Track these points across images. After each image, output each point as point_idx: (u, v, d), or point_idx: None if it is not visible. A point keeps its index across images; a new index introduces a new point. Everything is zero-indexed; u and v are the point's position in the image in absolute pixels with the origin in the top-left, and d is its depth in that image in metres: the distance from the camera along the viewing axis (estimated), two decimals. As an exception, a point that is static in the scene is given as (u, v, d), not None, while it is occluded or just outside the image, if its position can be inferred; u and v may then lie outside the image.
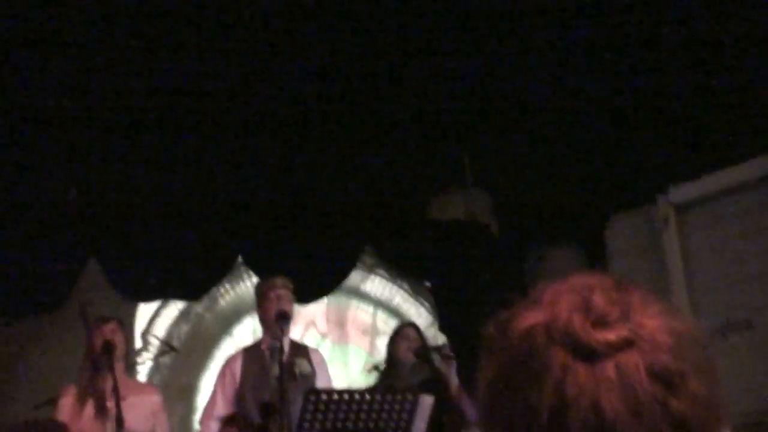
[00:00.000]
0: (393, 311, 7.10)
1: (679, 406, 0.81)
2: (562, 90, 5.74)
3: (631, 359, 0.82)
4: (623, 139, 5.78)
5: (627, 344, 0.83)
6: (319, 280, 6.25)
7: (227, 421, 4.65)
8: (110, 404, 4.23)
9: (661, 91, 5.41)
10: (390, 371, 5.07)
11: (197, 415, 6.31)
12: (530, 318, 0.87)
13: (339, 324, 7.14)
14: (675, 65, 5.29)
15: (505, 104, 5.91)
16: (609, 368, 0.81)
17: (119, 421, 4.07)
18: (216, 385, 4.78)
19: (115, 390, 4.18)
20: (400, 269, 6.82)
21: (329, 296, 6.90)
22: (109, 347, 4.40)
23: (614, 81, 5.56)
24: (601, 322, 0.84)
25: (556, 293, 0.89)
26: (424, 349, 4.90)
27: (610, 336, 0.83)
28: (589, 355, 0.82)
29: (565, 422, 0.80)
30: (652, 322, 0.85)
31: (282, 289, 4.63)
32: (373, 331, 7.12)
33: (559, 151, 6.06)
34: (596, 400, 0.80)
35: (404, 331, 5.16)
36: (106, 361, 4.39)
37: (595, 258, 5.84)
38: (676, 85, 5.33)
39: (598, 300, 0.86)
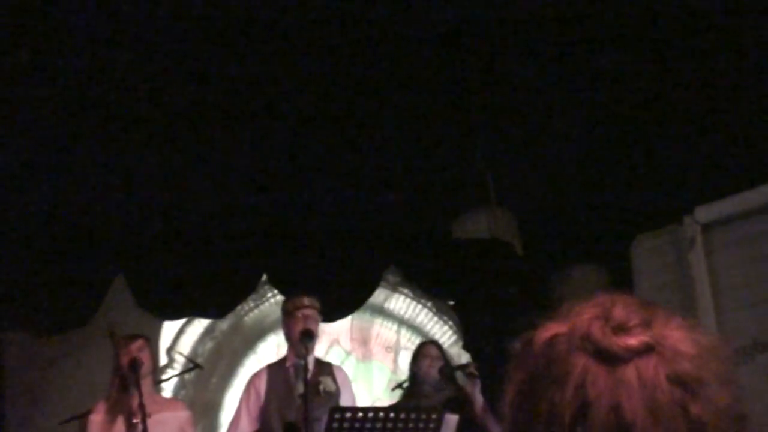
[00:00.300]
0: (417, 329, 7.10)
1: (699, 412, 0.83)
2: (587, 109, 5.74)
3: (651, 363, 0.84)
4: (649, 159, 5.76)
5: (647, 349, 0.85)
6: (344, 299, 6.28)
7: (252, 438, 4.66)
8: (137, 420, 4.25)
9: (688, 111, 5.40)
10: (413, 389, 5.06)
11: (221, 432, 6.35)
12: (553, 329, 0.91)
13: (363, 342, 7.14)
14: (701, 85, 5.28)
15: (529, 124, 5.92)
16: (629, 371, 0.84)
17: (145, 437, 4.10)
18: (241, 402, 4.79)
19: (141, 406, 4.20)
20: (424, 288, 6.83)
21: (353, 314, 6.92)
22: (135, 364, 4.43)
23: (640, 101, 5.55)
24: (621, 329, 0.87)
25: (579, 308, 0.92)
26: (447, 367, 4.89)
27: (631, 341, 0.86)
28: (610, 358, 0.85)
29: (586, 422, 0.83)
30: (674, 332, 0.87)
31: (309, 308, 4.65)
32: (396, 349, 7.12)
33: (584, 170, 6.06)
34: (616, 402, 0.83)
35: (426, 349, 5.15)
36: (132, 377, 4.41)
37: (620, 278, 5.81)
38: (703, 106, 5.31)
39: (619, 311, 0.89)
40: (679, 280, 5.25)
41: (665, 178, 5.69)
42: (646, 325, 0.87)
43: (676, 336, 0.87)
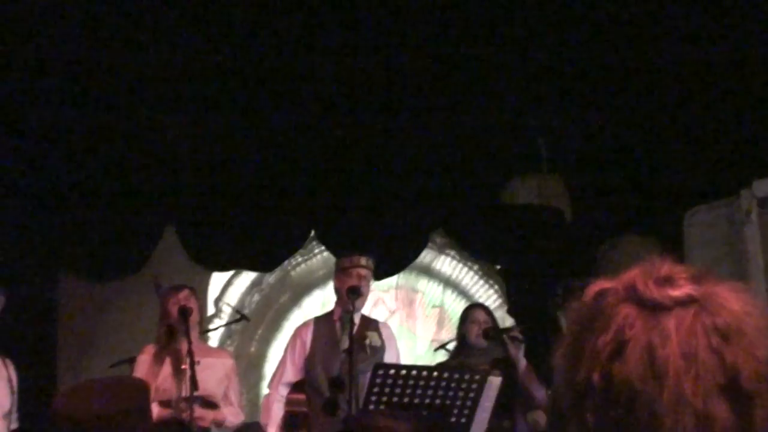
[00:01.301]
0: (462, 291, 7.11)
1: (734, 359, 0.85)
2: (645, 77, 5.64)
3: (691, 313, 0.88)
4: (708, 130, 5.66)
5: (690, 300, 0.89)
6: (390, 259, 6.30)
7: (295, 387, 4.73)
8: (185, 366, 4.33)
9: (750, 82, 5.29)
10: (460, 351, 5.09)
11: (265, 383, 6.45)
12: (603, 284, 0.95)
13: (408, 302, 7.18)
14: (764, 55, 5.16)
15: (584, 89, 5.84)
16: (668, 318, 0.88)
17: (194, 382, 4.18)
18: (286, 352, 4.86)
19: (190, 353, 4.28)
20: (471, 251, 6.82)
21: (399, 274, 6.94)
22: (185, 312, 4.51)
23: (701, 69, 5.44)
24: (666, 281, 0.91)
25: (626, 272, 0.96)
26: (492, 330, 4.90)
27: (674, 292, 0.89)
28: (651, 307, 0.89)
29: (622, 358, 0.87)
30: (721, 289, 0.90)
31: (364, 268, 4.71)
32: (441, 310, 7.14)
33: (640, 138, 5.97)
34: (650, 342, 0.86)
35: (474, 312, 5.16)
36: (182, 325, 4.49)
37: (671, 250, 5.74)
38: (765, 77, 5.20)
39: (667, 267, 0.93)
40: (732, 254, 5.17)
41: (723, 149, 5.59)
42: (694, 280, 0.91)
43: (723, 293, 0.90)
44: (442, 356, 5.65)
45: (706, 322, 0.86)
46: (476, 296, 6.90)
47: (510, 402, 4.34)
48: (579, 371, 0.90)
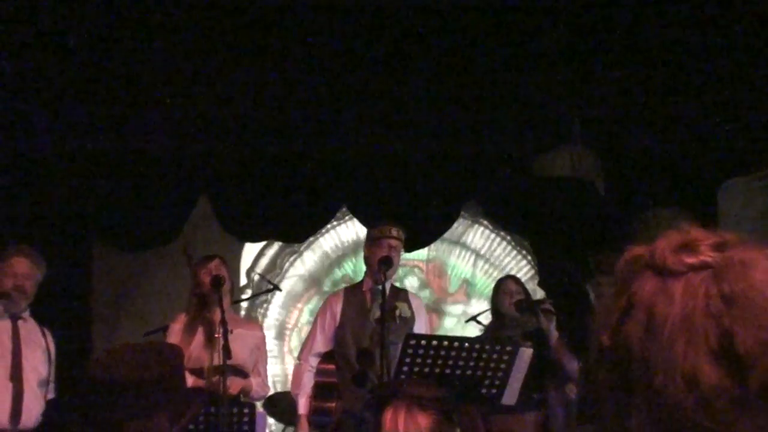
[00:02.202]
0: (493, 263, 7.09)
1: (732, 325, 0.85)
2: (679, 48, 5.56)
3: (700, 277, 0.88)
4: (743, 102, 5.57)
5: (703, 266, 0.89)
6: (422, 231, 6.29)
7: (325, 358, 4.75)
8: (218, 335, 4.35)
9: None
10: (495, 323, 5.08)
11: (294, 354, 6.50)
12: (637, 251, 0.95)
13: (439, 274, 7.18)
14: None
15: (618, 62, 5.77)
16: (677, 283, 0.89)
17: (227, 351, 4.18)
18: (316, 322, 4.87)
19: (223, 322, 4.28)
20: (503, 224, 6.80)
21: (431, 247, 6.94)
22: (218, 281, 4.51)
23: (735, 40, 5.35)
24: (686, 248, 0.90)
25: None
26: (524, 302, 4.88)
27: (689, 259, 0.89)
28: (664, 272, 0.90)
29: (626, 319, 0.90)
30: (750, 257, 0.89)
31: (395, 239, 4.70)
32: (472, 282, 7.14)
33: (673, 111, 5.89)
34: (652, 304, 0.88)
35: (506, 284, 5.14)
36: (214, 294, 4.51)
37: (705, 223, 5.67)
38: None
39: (694, 233, 0.93)
40: (767, 226, 5.11)
41: (757, 121, 5.51)
42: (717, 247, 0.90)
43: (751, 261, 0.89)
44: (472, 328, 5.66)
45: (710, 288, 0.87)
46: (508, 268, 6.88)
47: (542, 374, 4.33)
48: (601, 335, 0.93)
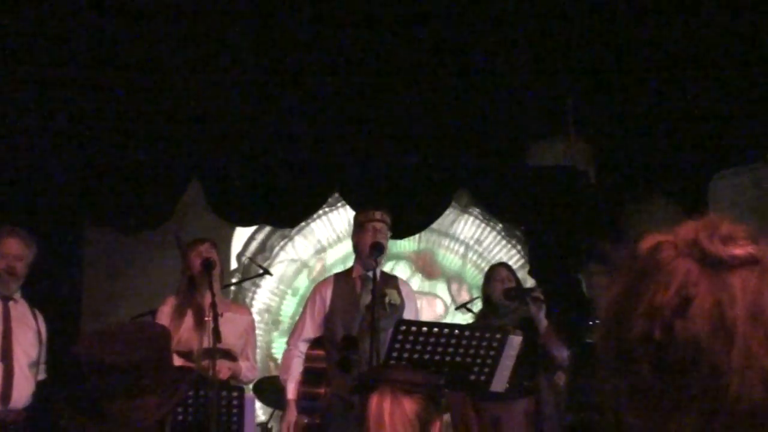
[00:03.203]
0: (482, 254, 7.10)
1: None
2: (671, 41, 5.56)
3: (756, 273, 0.87)
4: (734, 95, 5.58)
5: (753, 261, 0.88)
6: (413, 218, 6.30)
7: (315, 344, 4.75)
8: (208, 318, 4.34)
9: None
10: (485, 310, 5.09)
11: (283, 338, 6.50)
12: (657, 237, 0.93)
13: (429, 262, 7.18)
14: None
15: (612, 52, 5.77)
16: (734, 278, 0.86)
17: (217, 335, 4.16)
18: (306, 308, 4.86)
19: (214, 305, 4.26)
20: (495, 212, 6.80)
21: (421, 235, 6.95)
22: (209, 264, 4.50)
23: (729, 35, 5.36)
24: (728, 239, 0.89)
25: (681, 226, 0.94)
26: (514, 290, 4.89)
27: (738, 251, 0.88)
28: (716, 264, 0.87)
29: (687, 315, 0.86)
30: None
31: (380, 222, 4.66)
32: (462, 271, 7.15)
33: (667, 103, 5.90)
34: (719, 299, 0.85)
35: (498, 271, 5.16)
36: (205, 277, 4.49)
37: (695, 215, 5.69)
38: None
39: (726, 225, 0.91)
40: (758, 219, 5.12)
41: (749, 114, 5.53)
42: (753, 240, 0.90)
43: None
44: (462, 315, 5.67)
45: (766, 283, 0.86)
46: (498, 257, 6.89)
47: (532, 362, 4.34)
48: (634, 326, 0.88)
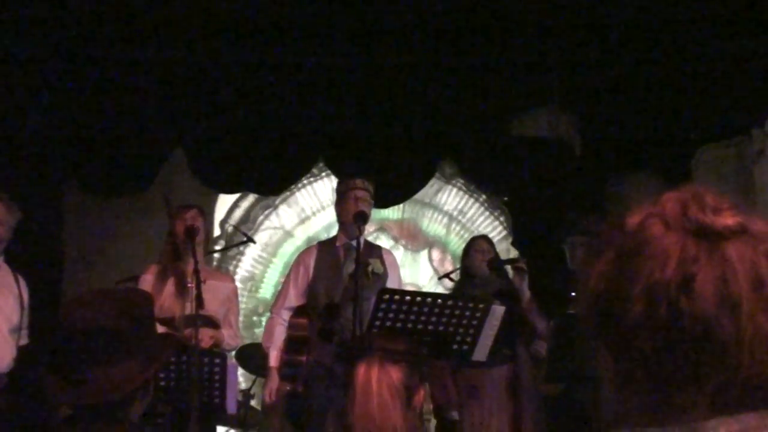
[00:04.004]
0: (467, 223, 7.11)
1: None
2: (657, 13, 5.55)
3: (748, 242, 0.87)
4: (720, 68, 5.58)
5: (743, 230, 0.88)
6: (397, 187, 6.29)
7: (298, 312, 4.75)
8: (191, 285, 4.33)
9: (760, 21, 5.19)
10: (464, 282, 5.11)
11: (266, 306, 6.51)
12: (643, 213, 0.91)
13: (412, 233, 7.19)
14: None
15: (598, 25, 5.75)
16: (729, 248, 0.86)
17: (199, 301, 4.14)
18: (289, 276, 4.85)
19: (196, 272, 4.24)
20: (479, 182, 6.81)
21: (405, 205, 6.95)
22: (192, 232, 4.46)
23: (713, 7, 5.35)
24: (716, 210, 0.89)
25: (663, 198, 0.92)
26: (496, 260, 4.91)
27: (729, 221, 0.88)
28: (710, 236, 0.87)
29: (692, 293, 0.85)
30: (756, 220, 0.90)
31: (362, 190, 4.64)
32: (445, 242, 7.16)
33: (652, 76, 5.90)
34: (722, 273, 0.85)
35: (477, 243, 5.18)
36: (188, 245, 4.46)
37: (679, 188, 5.71)
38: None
39: (711, 196, 0.91)
40: (741, 193, 5.15)
41: (734, 88, 5.53)
42: (738, 209, 0.90)
43: (759, 223, 0.90)
44: (449, 287, 5.69)
45: (762, 250, 0.86)
46: (481, 228, 6.91)
47: (511, 331, 4.36)
48: (633, 304, 0.87)
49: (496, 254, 5.11)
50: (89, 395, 1.94)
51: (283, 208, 7.12)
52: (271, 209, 7.13)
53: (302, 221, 7.15)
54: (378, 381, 2.27)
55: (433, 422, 5.15)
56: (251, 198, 7.08)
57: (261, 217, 7.14)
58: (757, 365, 0.84)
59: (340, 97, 6.19)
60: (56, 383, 1.99)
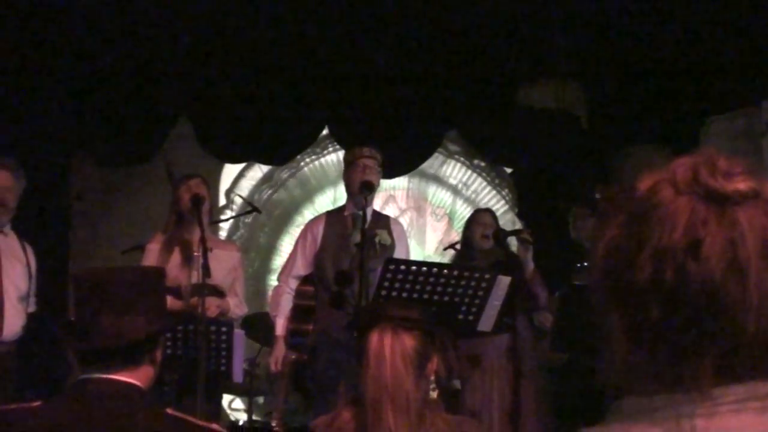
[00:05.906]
0: (470, 198, 7.11)
1: None
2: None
3: (759, 208, 0.86)
4: (728, 39, 5.54)
5: (754, 195, 0.87)
6: (404, 156, 6.28)
7: (305, 280, 4.76)
8: (197, 253, 4.33)
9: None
10: (465, 254, 5.11)
11: (273, 276, 6.53)
12: (653, 177, 0.91)
13: (418, 204, 7.19)
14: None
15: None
16: (740, 213, 0.85)
17: (206, 270, 4.12)
18: (297, 245, 4.85)
19: (203, 241, 4.20)
20: (484, 153, 6.80)
21: (410, 178, 6.94)
22: (198, 200, 4.45)
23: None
24: (728, 175, 0.88)
25: (674, 163, 0.91)
26: (500, 232, 4.91)
27: (741, 185, 0.87)
28: (720, 200, 0.86)
29: (699, 257, 0.84)
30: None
31: (369, 159, 4.62)
32: (451, 214, 7.16)
33: (660, 47, 5.86)
34: (731, 237, 0.84)
35: (480, 216, 5.18)
36: (194, 213, 4.44)
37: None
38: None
39: (723, 160, 0.90)
40: (749, 166, 5.13)
41: (743, 59, 5.49)
42: (751, 174, 0.88)
43: None
44: (449, 257, 5.70)
45: None
46: (484, 202, 6.91)
47: (512, 301, 4.36)
48: (641, 269, 0.86)
49: (498, 227, 5.11)
50: (98, 343, 1.99)
51: (290, 181, 7.13)
52: (277, 181, 7.14)
53: (309, 195, 7.15)
54: (391, 348, 2.27)
55: (435, 392, 5.17)
56: (257, 168, 7.08)
57: (268, 189, 7.14)
58: (763, 331, 0.83)
59: (346, 67, 6.16)
60: (67, 339, 2.06)
